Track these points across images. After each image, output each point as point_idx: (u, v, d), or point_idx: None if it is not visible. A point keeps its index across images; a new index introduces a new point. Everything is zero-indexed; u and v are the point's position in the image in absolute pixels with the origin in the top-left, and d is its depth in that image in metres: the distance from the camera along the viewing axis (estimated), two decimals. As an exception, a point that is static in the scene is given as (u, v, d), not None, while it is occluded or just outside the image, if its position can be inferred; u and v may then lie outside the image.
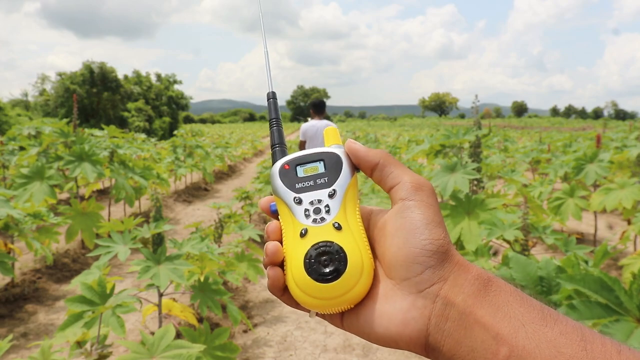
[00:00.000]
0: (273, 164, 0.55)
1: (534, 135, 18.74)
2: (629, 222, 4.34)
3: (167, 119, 36.39)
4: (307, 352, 3.10)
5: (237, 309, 2.62)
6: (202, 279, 2.61)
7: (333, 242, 0.48)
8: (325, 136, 0.58)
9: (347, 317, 0.50)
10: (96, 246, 4.42)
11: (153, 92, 37.97)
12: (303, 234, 0.49)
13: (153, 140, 13.38)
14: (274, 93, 0.60)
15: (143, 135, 10.98)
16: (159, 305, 2.53)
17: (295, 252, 0.49)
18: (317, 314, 0.52)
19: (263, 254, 0.52)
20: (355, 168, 0.54)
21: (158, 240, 2.70)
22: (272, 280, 0.50)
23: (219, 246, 3.84)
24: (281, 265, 0.51)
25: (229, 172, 13.21)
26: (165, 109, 37.80)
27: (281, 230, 0.53)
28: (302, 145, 5.39)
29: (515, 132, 27.78)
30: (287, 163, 0.54)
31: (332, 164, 0.53)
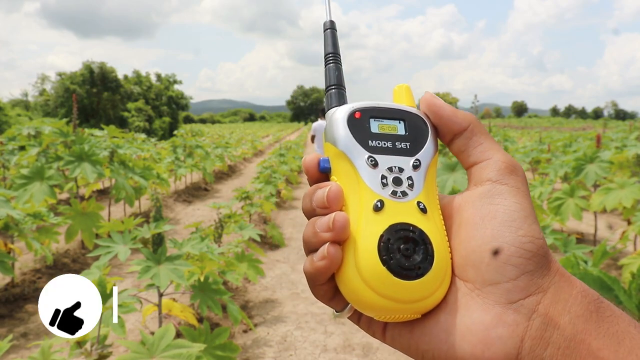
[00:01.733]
0: (328, 109, 0.44)
1: (534, 135, 18.75)
2: (629, 222, 4.34)
3: (167, 119, 36.41)
4: (307, 352, 3.10)
5: (237, 309, 2.63)
6: (202, 278, 2.62)
7: (417, 227, 0.38)
8: (397, 94, 0.45)
9: (393, 327, 0.40)
10: (96, 246, 4.42)
11: (153, 92, 37.99)
12: (379, 208, 0.38)
13: (153, 140, 13.38)
14: (332, 22, 0.47)
15: (143, 135, 10.97)
16: (159, 305, 2.53)
17: (365, 231, 0.38)
18: (350, 316, 0.41)
19: (312, 228, 0.39)
20: (437, 141, 0.43)
21: (158, 241, 2.70)
22: (329, 263, 0.37)
23: (219, 246, 3.84)
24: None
25: (229, 172, 13.21)
26: (165, 109, 37.82)
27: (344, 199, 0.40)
28: (312, 139, 5.54)
29: (515, 132, 27.80)
30: (359, 110, 0.42)
31: (415, 128, 0.42)
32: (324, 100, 0.45)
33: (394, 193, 0.39)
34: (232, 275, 3.19)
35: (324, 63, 0.46)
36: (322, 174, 0.42)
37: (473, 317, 0.35)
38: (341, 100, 0.44)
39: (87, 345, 1.95)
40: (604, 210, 4.34)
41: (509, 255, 0.35)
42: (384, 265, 0.36)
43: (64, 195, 7.73)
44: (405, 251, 0.37)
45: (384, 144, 0.41)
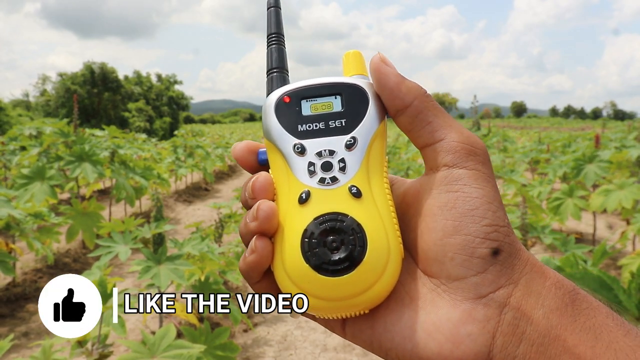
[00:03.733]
0: (267, 95, 0.40)
1: (533, 135, 18.74)
2: (628, 222, 4.36)
3: (167, 119, 36.40)
4: (307, 352, 3.11)
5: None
6: (202, 278, 2.63)
7: (347, 216, 0.34)
8: (345, 62, 0.40)
9: (353, 323, 0.37)
10: (97, 246, 4.44)
11: (153, 93, 38.00)
12: (303, 199, 0.35)
13: (154, 140, 13.39)
14: (275, 0, 0.43)
15: (144, 136, 10.99)
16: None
17: (290, 225, 0.35)
18: (304, 314, 0.37)
19: (243, 220, 0.37)
20: (384, 110, 0.38)
21: (159, 240, 2.72)
22: (258, 257, 0.35)
23: (220, 246, 3.85)
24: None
25: (229, 172, 13.22)
26: (165, 109, 37.82)
27: (274, 190, 0.38)
28: None
29: (515, 132, 27.78)
30: (288, 94, 0.38)
31: (353, 101, 0.38)
32: (266, 85, 0.41)
33: (322, 180, 0.36)
34: (233, 275, 3.20)
35: (266, 44, 0.42)
36: (263, 165, 0.39)
37: (440, 313, 0.32)
38: (282, 84, 0.40)
39: (88, 345, 1.96)
40: (604, 210, 4.36)
41: (474, 247, 0.32)
42: (307, 262, 0.33)
43: (65, 195, 7.74)
44: (331, 245, 0.34)
45: (316, 126, 0.37)
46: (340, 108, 0.38)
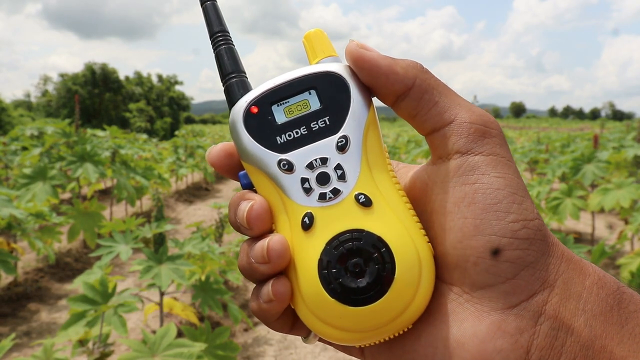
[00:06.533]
0: (230, 107, 0.33)
1: (532, 135, 18.73)
2: (626, 222, 4.37)
3: (168, 120, 36.42)
4: (307, 351, 3.12)
5: (237, 308, 2.65)
6: (203, 278, 2.64)
7: (363, 231, 0.29)
8: (308, 47, 0.34)
9: (371, 346, 0.32)
10: (98, 246, 4.46)
11: (154, 93, 38.02)
12: (307, 224, 0.30)
13: (154, 140, 13.42)
14: None
15: (144, 136, 11.01)
16: (161, 305, 2.56)
17: (300, 258, 0.30)
18: (320, 339, 0.33)
19: (246, 257, 0.31)
20: (369, 92, 0.32)
21: (159, 240, 2.73)
22: (279, 303, 0.30)
23: (220, 245, 3.87)
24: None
25: (230, 172, 13.22)
26: (166, 109, 37.84)
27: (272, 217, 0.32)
28: None
29: (514, 132, 27.77)
30: (255, 103, 0.32)
31: (331, 92, 0.32)
32: (225, 96, 0.34)
33: (322, 197, 0.30)
34: (233, 275, 3.22)
35: (212, 46, 0.35)
36: (247, 189, 0.33)
37: (464, 327, 0.28)
38: (245, 91, 0.34)
39: (89, 344, 1.97)
40: (602, 210, 4.37)
41: (500, 249, 0.28)
42: (332, 296, 0.29)
43: (67, 195, 7.76)
44: (354, 269, 0.29)
45: (297, 133, 0.31)
46: (319, 104, 0.32)
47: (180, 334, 2.56)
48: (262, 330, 3.43)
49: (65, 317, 3.55)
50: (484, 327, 0.27)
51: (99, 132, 6.23)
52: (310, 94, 0.32)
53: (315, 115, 0.32)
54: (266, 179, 0.31)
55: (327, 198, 0.30)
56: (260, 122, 0.32)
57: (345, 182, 0.30)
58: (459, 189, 0.29)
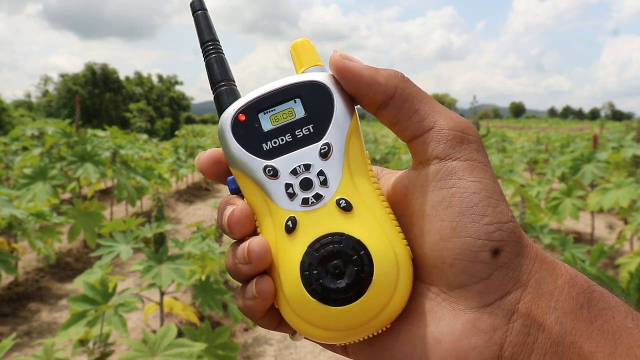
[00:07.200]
0: (220, 115, 0.35)
1: (532, 135, 18.74)
2: (626, 222, 4.37)
3: (168, 120, 36.43)
4: (307, 351, 3.13)
5: (237, 308, 2.66)
6: (203, 278, 2.65)
7: (343, 234, 0.31)
8: (295, 56, 0.36)
9: (353, 344, 0.34)
10: (98, 246, 4.46)
11: (154, 93, 38.04)
12: (291, 228, 0.32)
13: (155, 140, 13.43)
14: (201, 1, 0.38)
15: (145, 136, 11.01)
16: (161, 304, 2.56)
17: (284, 259, 0.32)
18: (306, 337, 0.34)
19: (231, 258, 0.34)
20: (352, 100, 0.34)
21: (160, 240, 2.74)
22: (262, 301, 0.32)
23: (220, 245, 3.88)
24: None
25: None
26: (166, 109, 37.85)
27: (255, 221, 0.34)
28: None
29: (513, 133, 27.78)
30: (242, 111, 0.34)
31: (315, 100, 0.34)
32: (214, 103, 0.36)
33: (305, 202, 0.32)
34: (233, 275, 3.23)
35: (202, 54, 0.37)
36: (235, 194, 0.35)
37: (441, 326, 0.29)
38: (233, 99, 0.35)
39: (90, 344, 1.98)
40: (601, 210, 4.37)
41: (475, 250, 0.29)
42: (313, 297, 0.30)
43: (67, 195, 7.77)
44: (334, 271, 0.30)
45: (282, 140, 0.33)
46: (304, 113, 0.34)
47: (180, 334, 2.57)
48: (262, 330, 3.43)
49: (65, 316, 3.56)
50: (459, 325, 0.29)
51: (100, 132, 6.24)
52: (295, 102, 0.34)
53: (300, 123, 0.34)
54: (252, 185, 0.33)
55: (310, 203, 0.32)
56: (247, 130, 0.34)
57: (327, 187, 0.32)
58: (437, 193, 0.31)
